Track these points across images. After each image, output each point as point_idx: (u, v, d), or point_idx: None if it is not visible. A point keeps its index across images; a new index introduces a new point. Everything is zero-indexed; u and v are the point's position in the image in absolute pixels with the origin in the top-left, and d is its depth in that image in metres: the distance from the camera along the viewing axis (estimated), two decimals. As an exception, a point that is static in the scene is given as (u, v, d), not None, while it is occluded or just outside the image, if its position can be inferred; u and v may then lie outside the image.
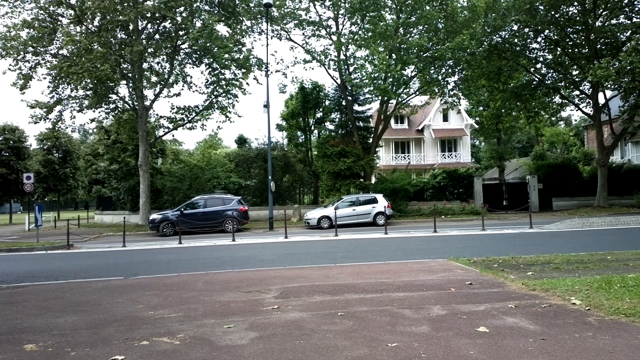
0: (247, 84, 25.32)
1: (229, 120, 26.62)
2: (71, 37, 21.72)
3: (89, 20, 23.09)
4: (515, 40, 26.37)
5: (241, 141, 46.11)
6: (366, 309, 5.63)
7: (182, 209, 20.68)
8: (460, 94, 27.88)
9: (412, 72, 25.75)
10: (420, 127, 44.51)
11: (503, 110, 29.54)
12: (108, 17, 22.16)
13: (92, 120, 26.75)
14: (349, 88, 27.38)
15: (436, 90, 26.95)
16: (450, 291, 6.52)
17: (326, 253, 12.14)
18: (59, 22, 23.38)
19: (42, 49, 23.04)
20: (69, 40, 21.46)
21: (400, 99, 26.94)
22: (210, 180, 27.17)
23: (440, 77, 25.99)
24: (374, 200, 21.67)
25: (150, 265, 11.02)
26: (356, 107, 28.46)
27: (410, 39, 23.77)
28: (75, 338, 4.79)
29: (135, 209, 26.48)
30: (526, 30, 25.89)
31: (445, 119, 44.34)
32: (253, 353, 4.13)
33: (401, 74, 23.63)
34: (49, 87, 23.62)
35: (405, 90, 26.24)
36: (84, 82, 22.70)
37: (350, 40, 25.06)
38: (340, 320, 5.19)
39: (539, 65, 27.76)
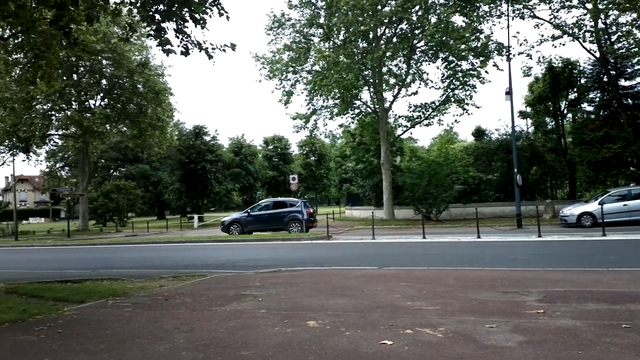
0: (485, 72, 24.19)
1: (466, 112, 25.95)
2: (322, 53, 24.64)
3: (335, 35, 25.78)
4: None
5: (479, 133, 43.93)
6: (662, 325, 4.62)
7: (249, 211, 22.04)
8: None
9: None
10: None
11: None
12: (351, 30, 24.29)
13: (340, 126, 29.83)
14: (612, 61, 23.27)
15: None
16: None
17: (592, 255, 10.65)
18: (311, 42, 26.83)
19: (299, 68, 26.83)
20: (320, 57, 24.41)
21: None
22: (449, 176, 26.80)
23: None
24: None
25: (398, 257, 11.60)
26: (622, 82, 24.03)
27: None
28: (347, 319, 5.35)
29: (379, 205, 28.28)
30: None
31: None
32: (523, 357, 3.85)
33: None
34: (305, 100, 27.36)
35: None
36: (333, 93, 25.49)
37: (610, 5, 21.14)
38: (625, 333, 4.40)
39: None
